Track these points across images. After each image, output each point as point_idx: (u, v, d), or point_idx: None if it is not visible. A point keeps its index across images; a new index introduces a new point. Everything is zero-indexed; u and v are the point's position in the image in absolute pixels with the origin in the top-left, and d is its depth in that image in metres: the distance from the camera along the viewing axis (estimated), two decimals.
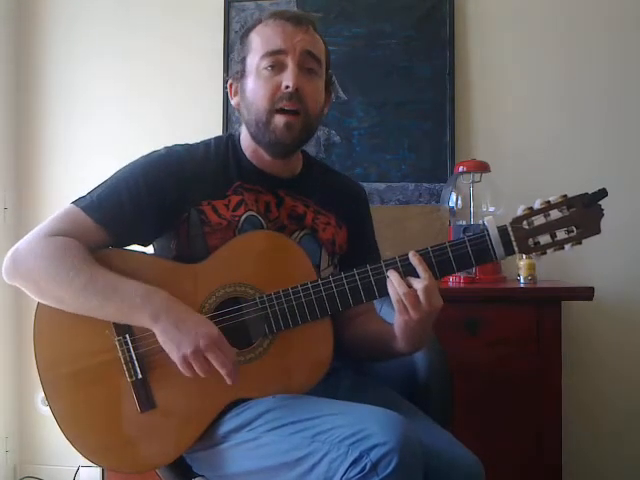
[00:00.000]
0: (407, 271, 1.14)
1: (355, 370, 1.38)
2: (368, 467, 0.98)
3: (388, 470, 0.98)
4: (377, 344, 1.28)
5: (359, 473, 0.99)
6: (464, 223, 2.05)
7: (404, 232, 2.10)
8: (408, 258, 1.14)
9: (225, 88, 2.34)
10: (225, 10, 2.40)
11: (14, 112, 2.53)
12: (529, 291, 1.87)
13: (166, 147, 1.29)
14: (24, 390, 2.50)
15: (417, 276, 1.13)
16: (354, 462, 0.99)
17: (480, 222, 2.06)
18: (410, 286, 1.12)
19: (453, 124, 2.26)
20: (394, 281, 1.13)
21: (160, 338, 1.13)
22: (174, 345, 1.12)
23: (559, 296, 1.87)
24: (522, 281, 1.92)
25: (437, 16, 2.29)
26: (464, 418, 1.52)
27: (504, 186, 2.11)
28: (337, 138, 2.31)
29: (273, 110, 1.22)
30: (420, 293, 1.11)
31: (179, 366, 1.13)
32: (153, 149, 1.29)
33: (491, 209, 2.10)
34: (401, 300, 1.12)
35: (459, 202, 2.12)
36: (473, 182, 2.10)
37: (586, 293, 1.80)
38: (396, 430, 1.00)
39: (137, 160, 1.27)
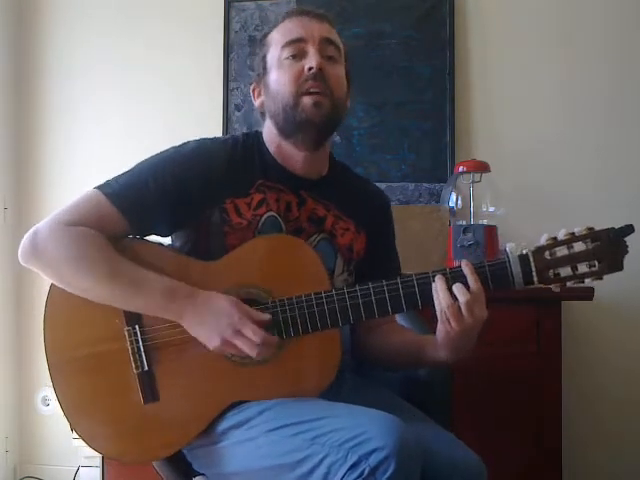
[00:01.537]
0: (424, 290, 1.14)
1: (356, 372, 1.37)
2: (367, 472, 0.99)
3: (386, 475, 0.98)
4: (402, 356, 1.29)
5: (357, 477, 0.99)
6: (464, 223, 2.05)
7: (404, 232, 2.09)
8: (429, 275, 1.14)
9: (225, 89, 2.39)
10: (225, 10, 2.40)
11: (14, 113, 2.53)
12: (529, 291, 1.86)
13: (196, 140, 1.28)
14: (24, 390, 2.50)
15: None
16: (353, 466, 1.00)
17: (480, 222, 2.06)
18: (455, 298, 1.11)
19: (453, 124, 2.26)
20: (440, 291, 1.12)
21: (189, 331, 1.15)
22: (205, 339, 1.14)
23: (559, 296, 1.86)
24: None
25: (437, 16, 2.29)
26: (464, 418, 1.52)
27: (504, 186, 2.12)
28: (337, 138, 2.30)
29: (299, 93, 1.22)
30: (462, 306, 1.10)
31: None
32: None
33: (491, 209, 2.10)
34: (444, 311, 1.12)
35: (459, 202, 2.13)
36: (473, 182, 2.10)
37: (586, 293, 1.79)
38: (394, 434, 1.00)
39: (166, 151, 1.26)
